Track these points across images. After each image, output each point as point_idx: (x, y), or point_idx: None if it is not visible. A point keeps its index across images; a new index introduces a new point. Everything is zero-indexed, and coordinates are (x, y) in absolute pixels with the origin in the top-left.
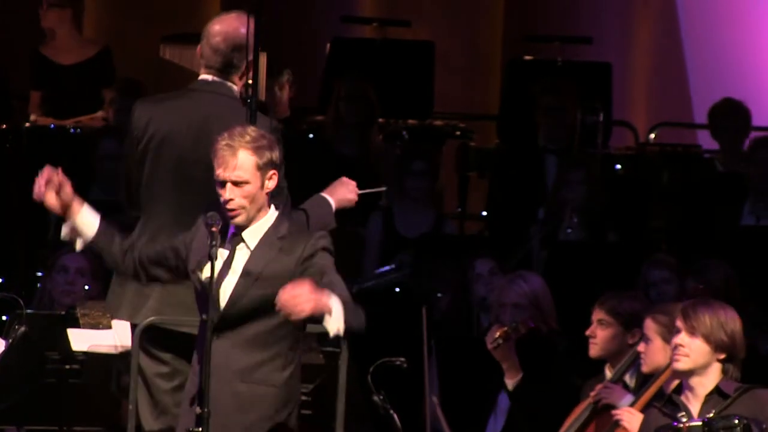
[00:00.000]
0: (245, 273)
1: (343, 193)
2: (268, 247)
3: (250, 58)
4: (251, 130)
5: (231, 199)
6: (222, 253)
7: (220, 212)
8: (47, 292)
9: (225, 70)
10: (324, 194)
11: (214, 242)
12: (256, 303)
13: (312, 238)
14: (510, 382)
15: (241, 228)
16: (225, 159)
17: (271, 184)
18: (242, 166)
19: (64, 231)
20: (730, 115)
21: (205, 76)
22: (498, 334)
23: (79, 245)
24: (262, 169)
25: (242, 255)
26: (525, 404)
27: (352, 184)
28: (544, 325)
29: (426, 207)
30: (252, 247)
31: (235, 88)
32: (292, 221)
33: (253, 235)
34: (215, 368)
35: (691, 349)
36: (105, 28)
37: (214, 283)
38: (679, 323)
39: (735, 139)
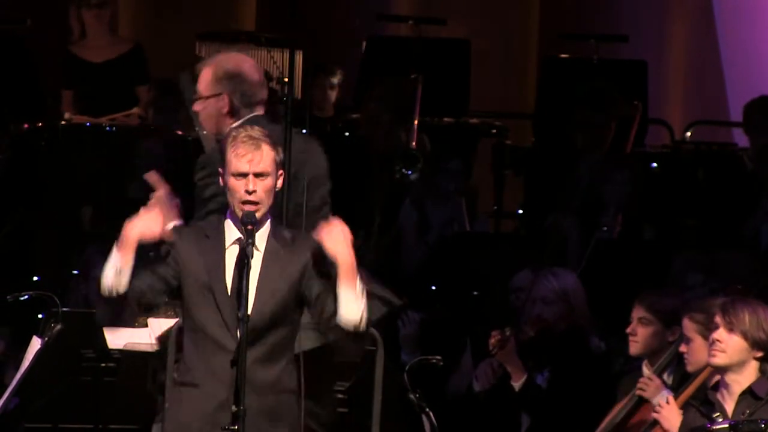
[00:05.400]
0: (262, 287)
1: None
2: (276, 255)
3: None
4: (259, 128)
5: (254, 191)
6: (231, 253)
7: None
8: (82, 295)
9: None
10: None
11: (250, 240)
12: (276, 314)
13: (314, 242)
14: (516, 384)
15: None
16: (248, 151)
17: (279, 183)
18: (265, 159)
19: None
20: (766, 112)
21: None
22: (493, 341)
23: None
24: (278, 165)
25: (253, 261)
26: (536, 402)
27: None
28: (563, 322)
29: (457, 199)
30: (261, 252)
31: (261, 112)
32: (282, 224)
33: (260, 239)
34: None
35: (728, 345)
36: (141, 26)
37: (246, 280)
38: (718, 319)
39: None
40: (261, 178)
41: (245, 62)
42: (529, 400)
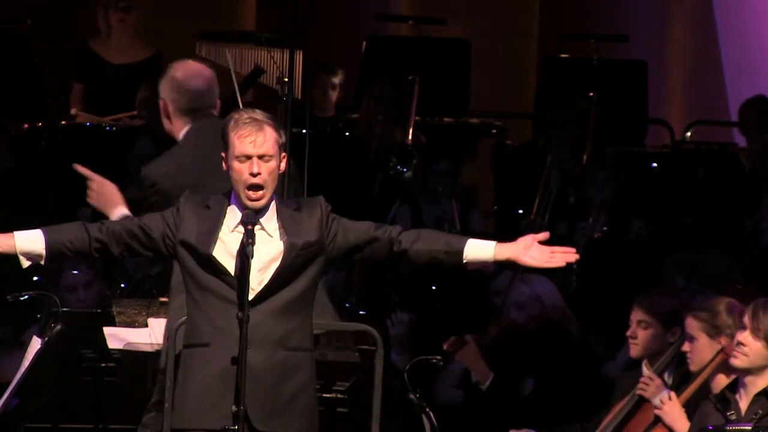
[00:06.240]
0: (290, 245)
1: None
2: (293, 220)
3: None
4: (261, 111)
5: (258, 173)
6: (234, 237)
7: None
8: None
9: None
10: None
11: (250, 240)
12: (296, 272)
13: (320, 202)
14: (482, 386)
15: (257, 214)
16: (251, 132)
17: (283, 165)
18: (268, 141)
19: (24, 263)
20: (761, 112)
21: None
22: (446, 346)
23: (43, 261)
24: (281, 147)
25: (265, 238)
26: (506, 401)
27: None
28: (533, 322)
29: (450, 198)
30: (272, 230)
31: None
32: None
33: (269, 223)
34: (252, 339)
35: (751, 350)
36: (142, 26)
37: (247, 280)
38: (746, 320)
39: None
40: (265, 160)
41: (190, 71)
42: (497, 399)
